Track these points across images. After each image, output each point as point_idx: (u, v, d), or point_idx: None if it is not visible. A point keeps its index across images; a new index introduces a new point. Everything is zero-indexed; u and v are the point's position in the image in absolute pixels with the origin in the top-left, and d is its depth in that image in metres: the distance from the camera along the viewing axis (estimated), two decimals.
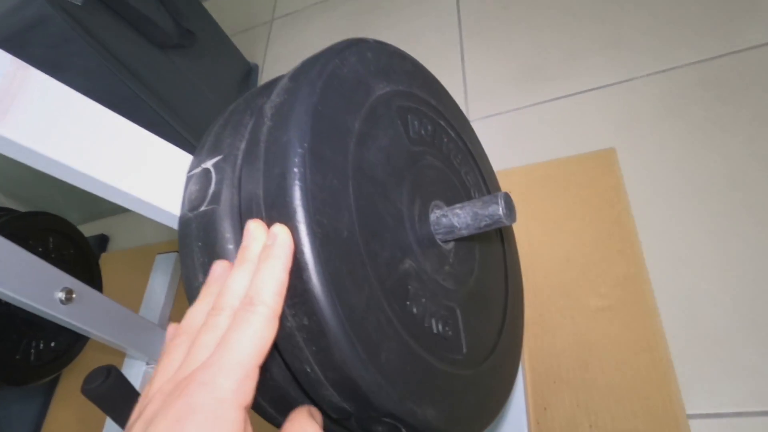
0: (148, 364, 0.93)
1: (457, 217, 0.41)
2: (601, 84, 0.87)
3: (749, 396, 0.56)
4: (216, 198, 0.34)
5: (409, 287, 0.36)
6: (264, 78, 1.34)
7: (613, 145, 0.80)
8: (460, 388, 0.37)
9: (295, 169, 0.30)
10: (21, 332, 0.65)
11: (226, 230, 0.34)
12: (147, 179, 0.37)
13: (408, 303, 0.35)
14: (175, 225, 0.39)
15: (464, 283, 0.43)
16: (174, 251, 1.07)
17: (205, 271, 0.34)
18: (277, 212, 0.29)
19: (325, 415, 0.32)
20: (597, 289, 0.68)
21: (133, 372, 0.93)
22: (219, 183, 0.35)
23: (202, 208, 0.35)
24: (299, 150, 0.30)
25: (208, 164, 0.36)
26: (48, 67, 0.83)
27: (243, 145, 0.36)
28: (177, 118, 1.00)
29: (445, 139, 0.48)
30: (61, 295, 0.65)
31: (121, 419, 0.57)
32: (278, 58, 1.36)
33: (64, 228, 0.74)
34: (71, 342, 0.73)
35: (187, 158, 0.40)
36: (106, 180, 0.34)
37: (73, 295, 0.67)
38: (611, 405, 0.61)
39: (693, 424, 0.57)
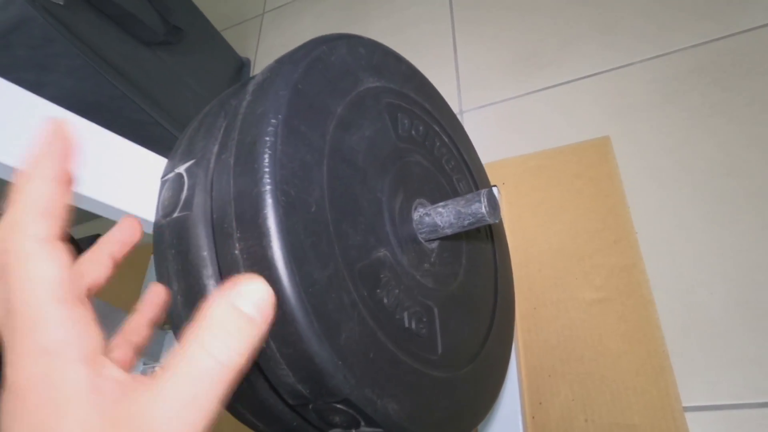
0: (145, 363, 0.93)
1: (440, 216, 0.40)
2: (595, 71, 0.86)
3: (746, 387, 0.55)
4: (188, 204, 0.34)
5: (381, 276, 0.35)
6: (256, 72, 1.32)
7: (607, 133, 0.79)
8: (431, 389, 0.36)
9: (266, 138, 0.30)
10: None
11: (200, 237, 0.33)
12: (120, 186, 0.36)
13: (378, 291, 0.34)
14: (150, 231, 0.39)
15: (446, 285, 0.42)
16: None
17: (179, 279, 0.33)
18: (243, 179, 0.29)
19: (283, 401, 0.31)
20: (592, 280, 0.67)
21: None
22: (191, 188, 0.34)
23: (175, 215, 0.34)
24: (272, 120, 0.30)
25: (181, 169, 0.36)
26: (33, 69, 0.82)
27: (216, 148, 0.35)
28: (166, 115, 0.99)
29: (438, 143, 0.47)
30: None
31: None
32: (270, 51, 1.35)
33: None
34: None
35: (161, 162, 0.39)
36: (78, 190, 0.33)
37: None
38: (607, 398, 0.60)
39: (689, 416, 0.56)
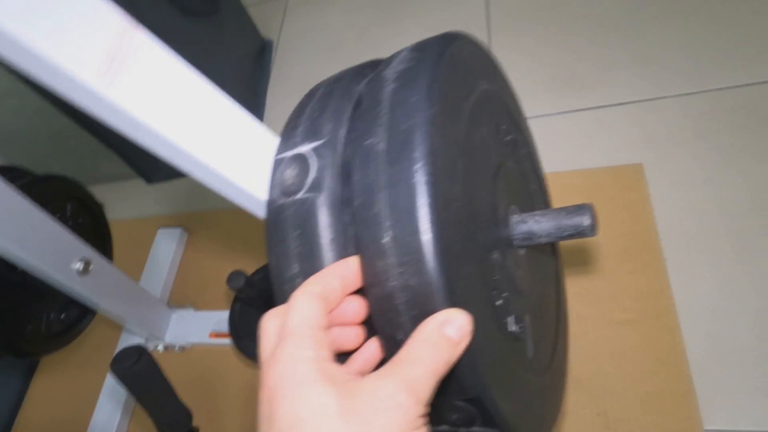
0: (147, 340, 0.90)
1: (538, 224, 0.41)
2: (629, 99, 0.89)
3: (765, 415, 0.59)
4: (317, 185, 0.33)
5: (495, 278, 0.35)
6: (280, 55, 1.30)
7: (639, 160, 0.81)
8: (528, 392, 0.37)
9: (424, 128, 0.29)
10: (34, 303, 0.62)
11: (328, 221, 0.32)
12: (237, 159, 0.35)
13: (494, 292, 0.35)
14: (255, 210, 0.38)
15: (531, 293, 0.43)
16: (178, 226, 1.03)
17: (302, 261, 0.33)
18: (399, 167, 0.29)
19: None
20: (621, 301, 0.70)
21: None
22: (320, 170, 0.34)
23: (300, 195, 0.33)
24: (429, 111, 0.30)
25: (305, 149, 0.35)
26: None
27: (343, 132, 0.35)
28: None
29: (522, 153, 0.48)
30: (79, 265, 0.62)
31: (146, 401, 0.55)
32: (294, 36, 1.32)
33: (81, 195, 0.70)
34: (80, 315, 0.70)
35: (272, 138, 0.38)
36: (202, 158, 0.32)
37: (91, 267, 0.64)
38: (631, 416, 0.62)
39: None
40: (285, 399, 0.23)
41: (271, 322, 0.29)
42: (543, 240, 0.41)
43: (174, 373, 0.86)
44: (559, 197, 0.81)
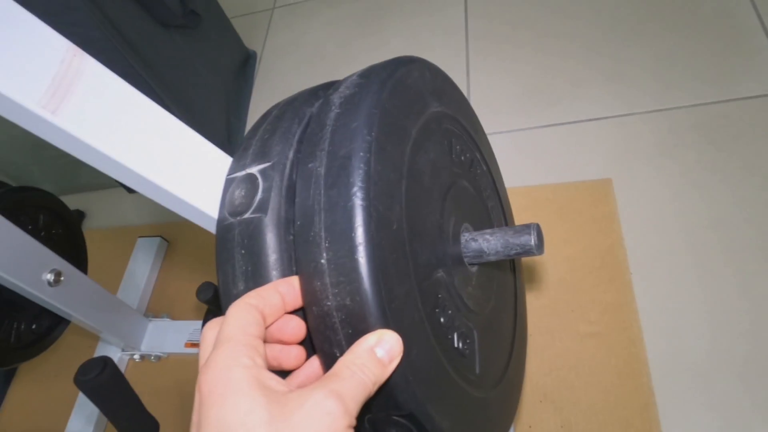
0: (123, 350, 0.90)
1: (487, 243, 0.42)
2: (599, 115, 0.90)
3: (723, 428, 0.60)
4: (263, 206, 0.34)
5: (439, 296, 0.36)
6: (263, 67, 1.32)
7: (609, 175, 0.83)
8: (472, 408, 0.38)
9: (361, 153, 0.30)
10: (3, 313, 0.62)
11: (272, 241, 0.33)
12: (188, 178, 0.36)
13: (437, 310, 0.36)
14: (208, 227, 0.39)
15: (483, 309, 0.44)
16: (157, 235, 1.03)
17: (246, 279, 0.34)
18: (336, 191, 0.30)
19: None
20: (587, 314, 0.71)
21: None
22: (266, 191, 0.35)
23: (247, 215, 0.34)
24: (367, 137, 0.31)
25: (254, 170, 0.36)
26: None
27: (291, 154, 0.36)
28: (173, 98, 0.97)
29: (479, 171, 0.50)
30: (50, 276, 0.63)
31: (111, 412, 0.56)
32: (277, 48, 1.34)
33: (55, 206, 0.70)
34: (52, 325, 0.71)
35: (224, 159, 0.39)
36: (153, 179, 0.33)
37: (62, 278, 0.64)
38: (594, 428, 0.63)
39: None
40: (214, 406, 0.24)
41: (210, 331, 0.29)
42: (492, 258, 0.42)
43: (149, 383, 0.87)
44: (530, 211, 0.83)
